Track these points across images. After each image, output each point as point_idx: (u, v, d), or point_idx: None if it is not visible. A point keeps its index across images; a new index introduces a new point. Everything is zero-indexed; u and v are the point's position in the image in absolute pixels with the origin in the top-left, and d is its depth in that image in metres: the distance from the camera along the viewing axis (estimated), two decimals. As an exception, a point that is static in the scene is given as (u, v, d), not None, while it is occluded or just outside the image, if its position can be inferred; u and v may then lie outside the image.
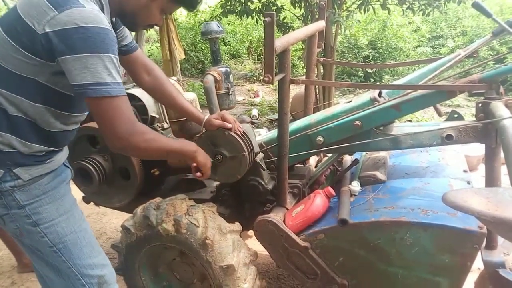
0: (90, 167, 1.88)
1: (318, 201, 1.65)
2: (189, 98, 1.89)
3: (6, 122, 1.18)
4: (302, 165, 2.09)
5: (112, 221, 3.08)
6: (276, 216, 1.67)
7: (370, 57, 7.22)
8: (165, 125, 2.10)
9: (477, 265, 1.59)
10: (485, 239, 1.46)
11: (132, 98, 1.98)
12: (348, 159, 2.07)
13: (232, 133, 1.65)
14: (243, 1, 4.57)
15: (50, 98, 1.22)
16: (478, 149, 3.38)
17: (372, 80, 6.76)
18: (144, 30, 6.15)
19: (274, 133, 1.92)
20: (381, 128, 1.68)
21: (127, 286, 1.94)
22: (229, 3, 4.64)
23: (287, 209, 1.76)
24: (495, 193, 1.13)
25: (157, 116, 2.04)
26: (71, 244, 1.33)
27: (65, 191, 1.35)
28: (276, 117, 5.67)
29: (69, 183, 1.40)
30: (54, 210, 1.29)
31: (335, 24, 4.16)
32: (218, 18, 4.97)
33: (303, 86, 3.83)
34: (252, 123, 5.40)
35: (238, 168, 1.71)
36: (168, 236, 1.64)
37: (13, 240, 2.45)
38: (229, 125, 1.65)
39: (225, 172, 1.73)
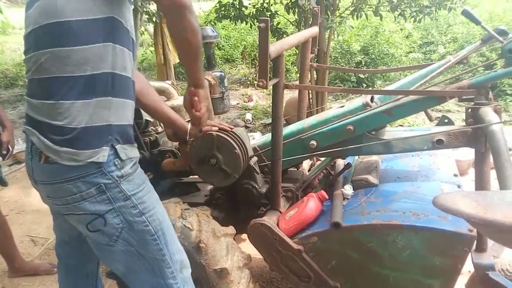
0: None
1: (311, 204, 1.67)
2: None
3: (105, 83, 1.15)
4: (296, 169, 2.11)
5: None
6: (269, 219, 1.69)
7: (363, 63, 7.29)
8: (159, 129, 2.11)
9: (468, 268, 1.61)
10: (476, 242, 1.49)
11: (127, 101, 1.98)
12: (341, 163, 2.09)
13: (220, 133, 1.67)
14: (238, 7, 4.60)
15: (123, 37, 1.19)
16: (468, 154, 3.43)
17: (365, 85, 6.83)
18: (139, 34, 6.15)
19: (268, 137, 1.94)
20: (373, 132, 1.70)
21: (120, 290, 1.93)
22: (223, 8, 4.67)
23: (281, 212, 1.77)
24: (484, 196, 1.15)
25: (151, 120, 2.05)
26: (166, 230, 1.34)
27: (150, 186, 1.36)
28: (270, 121, 5.67)
29: None
30: (153, 198, 1.32)
31: (328, 30, 4.20)
32: (213, 23, 5.00)
33: (296, 91, 3.87)
34: (246, 127, 5.42)
35: (234, 167, 1.72)
36: (162, 240, 1.64)
37: (4, 244, 2.45)
38: (215, 128, 1.67)
39: (222, 174, 1.75)
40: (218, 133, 1.68)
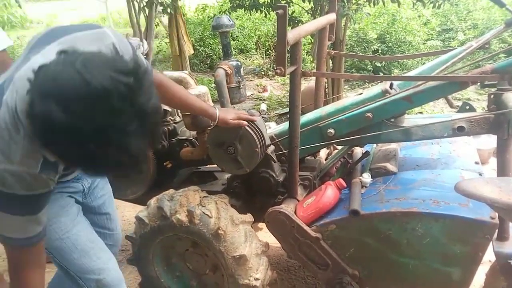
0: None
1: (329, 192, 1.67)
2: (201, 92, 1.91)
3: None
4: (313, 158, 2.10)
5: (124, 213, 3.13)
6: (287, 207, 1.69)
7: (379, 51, 7.14)
8: (178, 119, 2.13)
9: (489, 257, 1.59)
10: (497, 231, 1.47)
11: (145, 91, 2.01)
12: (358, 151, 2.07)
13: (248, 129, 1.68)
14: (252, -5, 4.58)
15: None
16: (489, 143, 3.36)
17: (381, 74, 6.71)
18: (154, 26, 6.18)
19: (285, 125, 1.94)
20: (392, 120, 1.68)
21: (141, 276, 1.98)
22: (238, -2, 4.65)
23: (298, 200, 1.77)
24: (507, 183, 1.14)
25: (169, 109, 2.07)
26: (59, 250, 1.35)
27: (53, 197, 1.27)
28: (285, 111, 5.63)
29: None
30: None
31: (345, 18, 4.14)
32: (227, 13, 4.98)
33: (312, 81, 3.83)
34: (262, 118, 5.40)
35: (248, 162, 1.74)
36: (182, 227, 1.67)
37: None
38: (245, 123, 1.67)
39: (234, 164, 1.76)
40: (247, 127, 1.68)
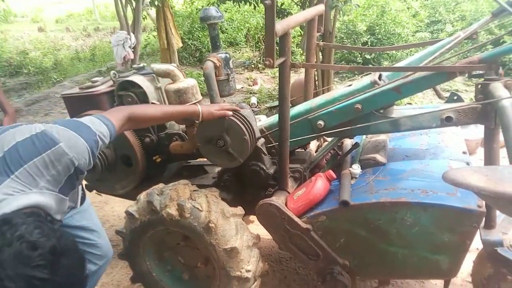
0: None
1: (319, 184, 1.67)
2: (189, 84, 1.89)
3: None
4: (303, 150, 2.10)
5: (114, 209, 3.11)
6: (278, 200, 1.70)
7: (369, 43, 7.18)
8: (166, 112, 2.10)
9: (476, 246, 1.62)
10: (484, 219, 1.50)
11: (132, 85, 1.98)
12: (348, 143, 2.08)
13: (233, 118, 1.67)
14: (241, -13, 4.54)
15: None
16: (476, 133, 3.40)
17: (371, 66, 6.74)
18: (141, 19, 6.10)
19: (275, 118, 1.93)
20: (382, 111, 1.69)
21: (132, 271, 1.97)
22: (226, -10, 4.61)
23: (289, 192, 1.78)
24: (494, 171, 1.15)
25: (157, 103, 2.04)
26: None
27: None
28: (275, 104, 5.61)
29: None
30: None
31: (334, 9, 4.13)
32: (216, 5, 4.93)
33: (302, 74, 3.82)
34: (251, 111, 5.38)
35: (240, 152, 1.73)
36: (172, 221, 1.66)
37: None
38: (230, 113, 1.66)
39: (227, 157, 1.75)
40: (231, 117, 1.67)
